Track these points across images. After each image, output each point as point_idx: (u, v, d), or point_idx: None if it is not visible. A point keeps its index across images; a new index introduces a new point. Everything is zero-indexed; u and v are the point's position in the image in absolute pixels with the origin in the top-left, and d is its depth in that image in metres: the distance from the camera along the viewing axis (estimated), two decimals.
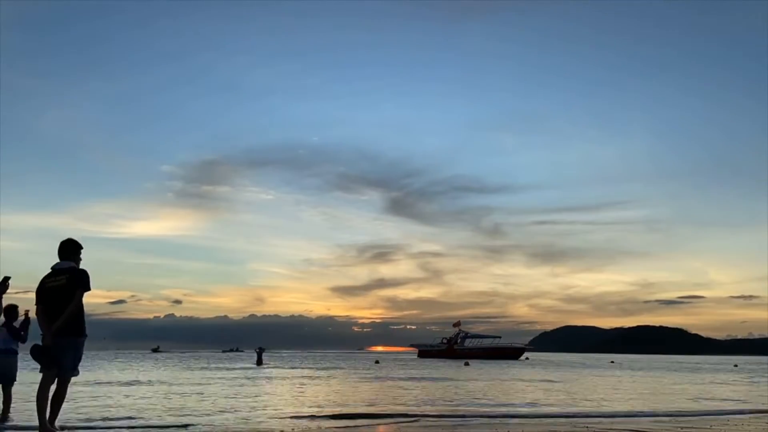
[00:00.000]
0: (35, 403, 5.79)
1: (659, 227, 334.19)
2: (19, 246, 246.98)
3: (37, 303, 5.92)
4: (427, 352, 74.17)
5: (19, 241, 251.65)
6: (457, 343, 71.81)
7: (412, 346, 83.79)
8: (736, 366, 55.08)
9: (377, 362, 47.60)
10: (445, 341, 74.60)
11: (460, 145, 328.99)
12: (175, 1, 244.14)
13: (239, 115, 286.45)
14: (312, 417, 9.48)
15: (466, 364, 43.63)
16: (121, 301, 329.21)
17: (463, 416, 9.83)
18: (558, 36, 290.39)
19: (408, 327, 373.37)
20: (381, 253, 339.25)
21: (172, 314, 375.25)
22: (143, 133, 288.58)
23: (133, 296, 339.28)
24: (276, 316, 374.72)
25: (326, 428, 8.01)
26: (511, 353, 66.92)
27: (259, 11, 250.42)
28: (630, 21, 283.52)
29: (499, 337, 74.86)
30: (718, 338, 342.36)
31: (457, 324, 76.08)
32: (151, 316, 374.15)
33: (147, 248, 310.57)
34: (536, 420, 9.45)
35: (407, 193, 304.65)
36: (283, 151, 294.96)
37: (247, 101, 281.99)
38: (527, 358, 68.17)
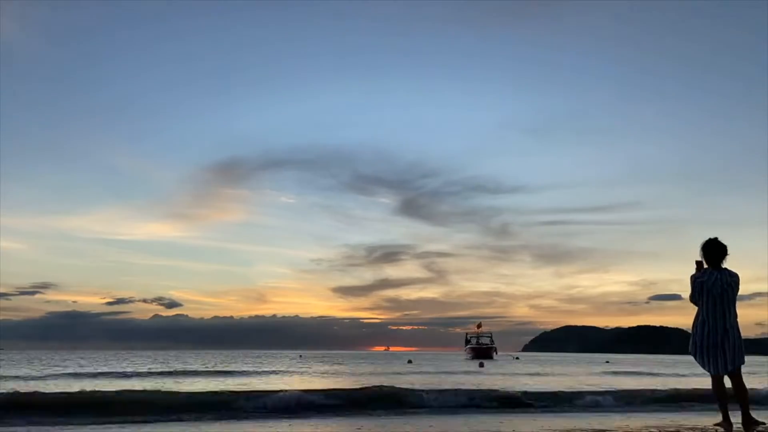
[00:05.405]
0: None
1: (668, 228, 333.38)
2: (29, 247, 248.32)
3: None
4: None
5: (29, 242, 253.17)
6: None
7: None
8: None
9: (410, 362, 50.19)
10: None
11: (479, 146, 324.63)
12: (192, 0, 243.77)
13: (257, 117, 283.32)
14: None
15: (481, 365, 45.13)
16: (121, 301, 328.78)
17: None
18: (575, 38, 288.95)
19: (420, 327, 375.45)
20: (388, 254, 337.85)
21: (178, 314, 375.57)
22: (158, 134, 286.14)
23: (131, 297, 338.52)
24: (282, 317, 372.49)
25: None
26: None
27: (276, 13, 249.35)
28: (643, 25, 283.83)
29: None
30: None
31: (479, 326, 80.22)
32: (152, 316, 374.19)
33: (157, 250, 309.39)
34: None
35: (421, 194, 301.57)
36: (302, 153, 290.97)
37: (265, 103, 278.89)
38: (517, 357, 76.01)
